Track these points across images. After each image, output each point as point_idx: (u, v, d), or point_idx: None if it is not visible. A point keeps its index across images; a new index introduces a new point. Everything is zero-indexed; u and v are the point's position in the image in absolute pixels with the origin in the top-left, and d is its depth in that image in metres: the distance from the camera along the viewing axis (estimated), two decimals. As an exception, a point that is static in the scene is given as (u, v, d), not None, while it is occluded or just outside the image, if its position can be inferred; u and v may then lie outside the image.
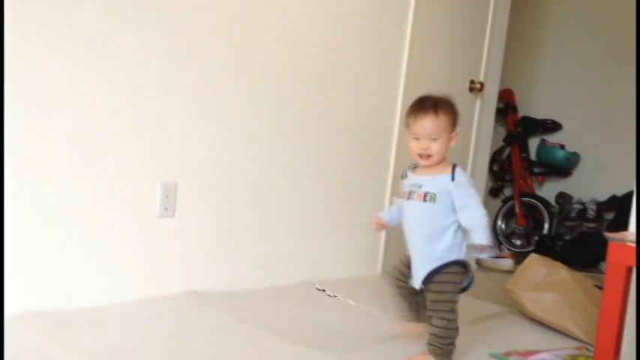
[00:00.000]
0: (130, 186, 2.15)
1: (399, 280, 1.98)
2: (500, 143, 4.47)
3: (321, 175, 2.78)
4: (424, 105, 1.86)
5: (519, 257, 3.44)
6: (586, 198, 4.19)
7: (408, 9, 3.02)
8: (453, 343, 1.87)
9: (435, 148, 1.83)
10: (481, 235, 1.82)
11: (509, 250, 4.03)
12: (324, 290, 2.63)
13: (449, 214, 1.85)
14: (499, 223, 4.36)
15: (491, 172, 4.50)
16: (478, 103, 3.55)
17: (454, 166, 1.86)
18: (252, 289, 2.52)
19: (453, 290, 1.87)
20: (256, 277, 2.57)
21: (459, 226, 1.86)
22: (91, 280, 2.07)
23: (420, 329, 1.99)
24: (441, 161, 1.86)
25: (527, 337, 2.32)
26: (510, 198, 4.39)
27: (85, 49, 1.98)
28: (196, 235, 2.37)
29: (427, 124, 1.83)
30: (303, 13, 2.62)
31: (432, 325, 1.86)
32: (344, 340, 2.07)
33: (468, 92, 3.46)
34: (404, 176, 1.96)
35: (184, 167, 2.30)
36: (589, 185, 4.23)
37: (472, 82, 3.45)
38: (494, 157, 4.48)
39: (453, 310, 1.86)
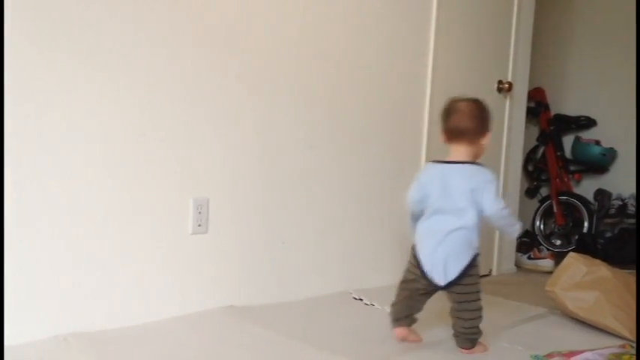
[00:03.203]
0: (163, 204, 2.18)
1: None
2: (533, 143, 4.41)
3: (352, 183, 2.78)
4: None
5: (559, 257, 3.37)
6: (626, 194, 4.09)
7: (430, 12, 3.02)
8: None
9: None
10: None
11: (548, 250, 3.96)
12: (360, 299, 2.62)
13: None
14: (537, 223, 4.29)
15: (526, 172, 4.44)
16: (507, 104, 3.52)
17: None
18: (289, 301, 2.52)
19: None
20: (292, 289, 2.58)
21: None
22: (128, 299, 2.10)
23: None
24: None
25: (570, 337, 2.27)
26: (547, 198, 4.32)
27: (112, 71, 2.02)
28: (231, 250, 2.38)
29: None
30: (326, 22, 2.63)
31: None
32: (382, 348, 2.06)
33: (496, 93, 3.43)
34: None
35: (215, 183, 2.32)
36: (628, 180, 4.12)
37: (500, 82, 3.43)
38: (529, 157, 4.42)
39: None
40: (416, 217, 2.07)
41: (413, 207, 2.07)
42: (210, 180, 2.31)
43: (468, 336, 1.99)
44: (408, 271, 2.06)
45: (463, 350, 2.00)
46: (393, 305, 2.09)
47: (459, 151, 2.02)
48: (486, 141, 2.05)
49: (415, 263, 2.02)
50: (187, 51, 2.20)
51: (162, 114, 2.15)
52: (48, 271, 1.91)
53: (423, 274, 1.99)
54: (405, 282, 2.07)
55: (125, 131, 2.06)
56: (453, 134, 2.03)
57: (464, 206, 1.96)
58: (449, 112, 2.05)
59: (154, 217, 2.16)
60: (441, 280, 1.97)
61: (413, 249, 2.05)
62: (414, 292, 2.05)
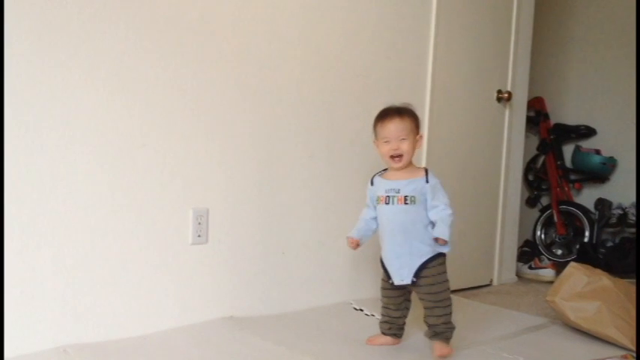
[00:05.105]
0: (163, 215, 2.18)
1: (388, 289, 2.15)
2: (534, 152, 4.41)
3: (352, 193, 2.77)
4: (388, 112, 2.08)
5: (561, 267, 3.37)
6: (626, 203, 4.09)
7: (429, 22, 3.02)
8: (454, 327, 2.08)
9: (405, 147, 2.02)
10: (441, 229, 1.98)
11: (549, 259, 3.95)
12: (361, 309, 2.61)
13: (426, 213, 2.03)
14: (538, 233, 4.29)
15: (527, 181, 4.44)
16: (507, 113, 3.52)
17: (426, 170, 2.06)
18: (290, 311, 2.52)
19: (446, 278, 2.06)
20: (293, 300, 2.57)
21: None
22: (128, 310, 2.09)
23: (391, 342, 2.18)
24: (410, 164, 2.07)
25: (571, 347, 2.26)
26: (548, 207, 4.32)
27: (112, 82, 2.02)
28: (230, 260, 2.38)
29: (394, 126, 2.03)
30: (325, 33, 2.64)
31: (436, 315, 2.03)
32: (383, 358, 2.05)
33: (496, 102, 3.43)
34: (371, 183, 2.13)
35: (215, 193, 2.32)
36: (628, 189, 4.13)
37: (500, 91, 3.43)
38: (529, 167, 4.42)
39: (450, 297, 2.06)
40: None
41: None
42: (210, 190, 2.31)
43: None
44: None
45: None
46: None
47: None
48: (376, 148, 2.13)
49: None
50: (187, 62, 2.21)
51: (162, 125, 2.15)
52: (47, 282, 1.90)
53: None
54: None
55: (125, 142, 2.06)
56: None
57: None
58: None
59: (153, 228, 2.15)
60: None
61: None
62: None
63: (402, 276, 2.04)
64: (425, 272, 2.02)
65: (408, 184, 2.03)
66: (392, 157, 2.03)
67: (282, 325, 2.36)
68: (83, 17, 1.94)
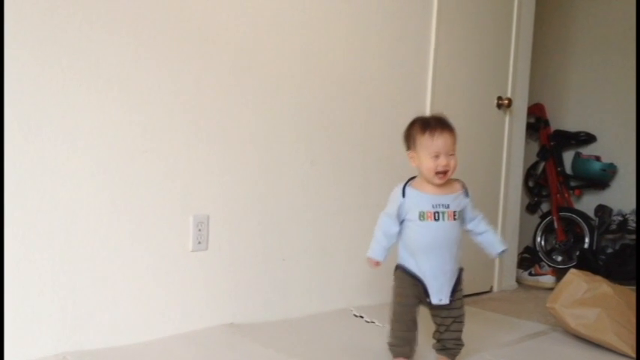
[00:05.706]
0: (163, 222, 2.18)
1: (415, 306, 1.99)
2: (534, 158, 4.41)
3: (353, 200, 2.78)
4: (434, 124, 1.92)
5: (561, 273, 3.36)
6: (626, 209, 4.09)
7: (430, 29, 3.03)
8: (463, 344, 2.03)
9: (453, 164, 1.91)
10: (499, 239, 2.07)
11: (549, 266, 3.94)
12: (361, 316, 2.61)
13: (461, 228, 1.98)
14: (538, 239, 4.28)
15: (527, 188, 4.44)
16: (507, 120, 3.52)
17: (462, 183, 1.98)
18: (290, 318, 2.51)
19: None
20: (293, 306, 2.57)
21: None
22: (128, 317, 2.09)
23: None
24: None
25: (571, 354, 2.26)
26: (548, 214, 4.31)
27: (113, 89, 2.02)
28: (231, 267, 2.38)
29: (444, 140, 1.89)
30: (327, 40, 2.64)
31: (452, 330, 1.98)
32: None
33: (496, 109, 3.44)
34: (403, 195, 1.95)
35: (215, 200, 2.32)
36: (628, 196, 4.13)
37: (500, 98, 3.44)
38: (529, 173, 4.42)
39: (465, 313, 2.02)
40: None
41: None
42: (211, 197, 2.31)
43: None
44: None
45: None
46: None
47: None
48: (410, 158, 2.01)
49: None
50: (188, 69, 2.21)
51: (163, 131, 2.16)
52: (47, 289, 1.90)
53: None
54: None
55: (126, 149, 2.07)
56: None
57: None
58: None
59: (154, 235, 2.15)
60: None
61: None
62: None
63: (442, 295, 1.94)
64: (457, 292, 1.98)
65: (455, 198, 1.94)
66: (438, 172, 1.89)
67: (283, 331, 2.36)
68: (84, 23, 1.94)
